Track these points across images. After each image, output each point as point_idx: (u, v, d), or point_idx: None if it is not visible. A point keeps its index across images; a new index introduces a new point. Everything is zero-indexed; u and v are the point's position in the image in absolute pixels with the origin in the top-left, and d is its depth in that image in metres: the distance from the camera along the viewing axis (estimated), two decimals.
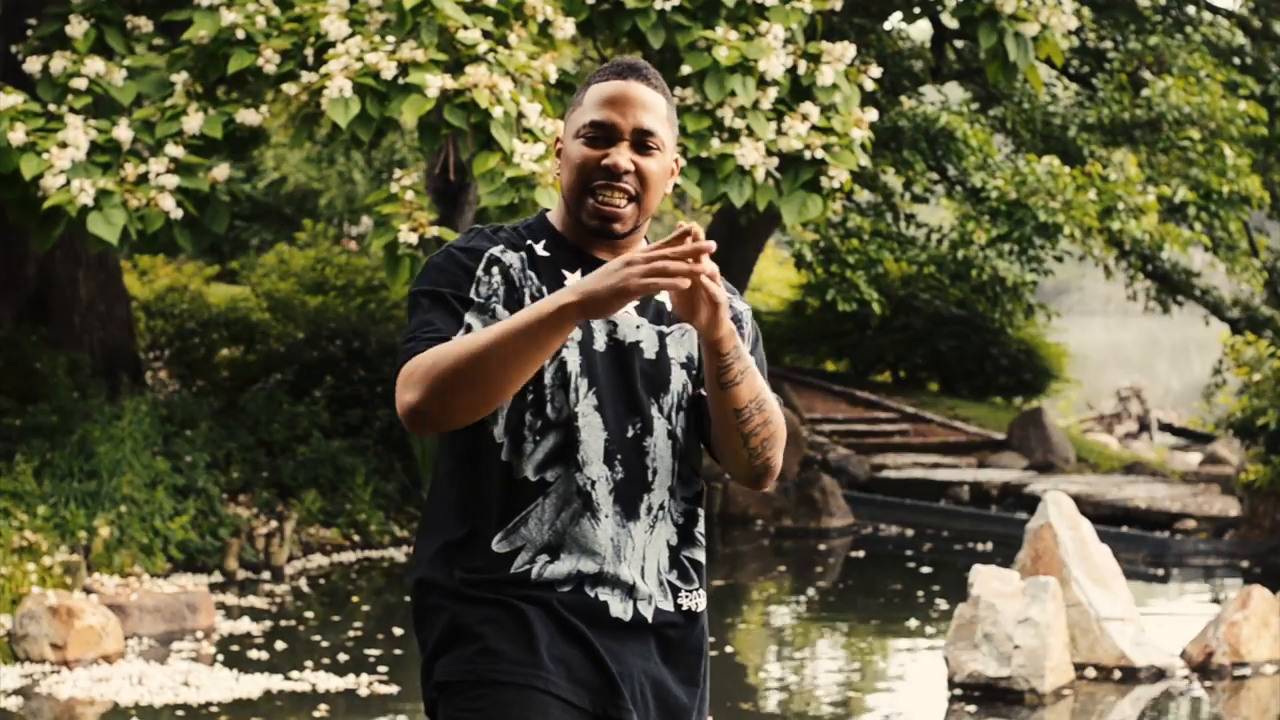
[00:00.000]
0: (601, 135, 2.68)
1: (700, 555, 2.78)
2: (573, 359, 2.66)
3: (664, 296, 2.75)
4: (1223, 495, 13.82)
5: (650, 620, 2.69)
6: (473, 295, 2.66)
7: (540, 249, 2.73)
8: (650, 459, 2.70)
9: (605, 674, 2.65)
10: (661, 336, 2.74)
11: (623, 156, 2.67)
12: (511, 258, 2.71)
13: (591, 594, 2.65)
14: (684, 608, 2.74)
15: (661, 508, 2.71)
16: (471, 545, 2.67)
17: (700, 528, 2.78)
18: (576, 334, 2.66)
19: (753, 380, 2.64)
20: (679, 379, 2.73)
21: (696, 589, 2.75)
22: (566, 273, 2.71)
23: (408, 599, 9.54)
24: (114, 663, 8.56)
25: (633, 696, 2.67)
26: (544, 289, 2.68)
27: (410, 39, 8.86)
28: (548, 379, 2.66)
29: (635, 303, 2.66)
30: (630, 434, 2.68)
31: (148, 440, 11.03)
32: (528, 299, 2.67)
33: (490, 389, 2.53)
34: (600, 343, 2.69)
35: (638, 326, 2.72)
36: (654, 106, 2.70)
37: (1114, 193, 12.80)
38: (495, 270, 2.69)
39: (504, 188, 8.53)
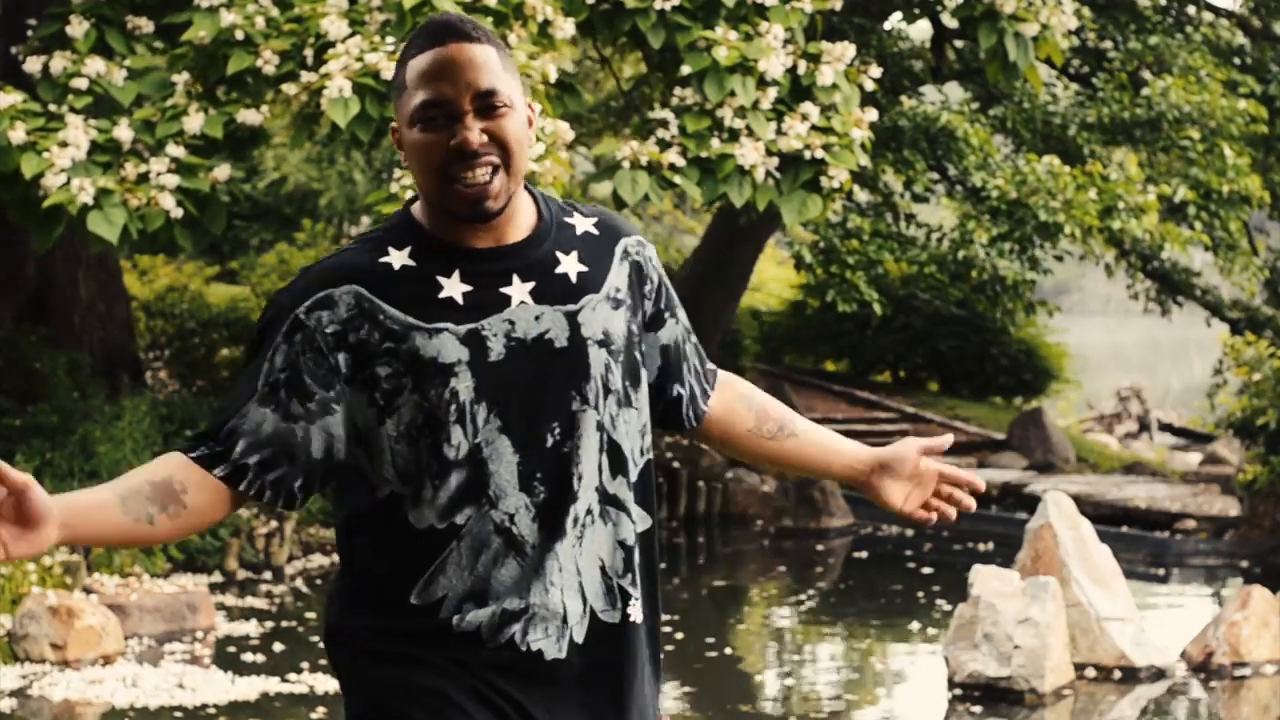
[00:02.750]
0: (439, 114, 2.30)
1: (655, 556, 2.46)
2: (464, 385, 2.30)
3: (570, 268, 2.40)
4: (1223, 495, 13.81)
5: (583, 641, 2.36)
6: (261, 384, 2.31)
7: (404, 259, 2.34)
8: (575, 464, 2.34)
9: None
10: (570, 317, 2.37)
11: (471, 131, 2.29)
12: (331, 312, 2.31)
13: (523, 645, 2.32)
14: (631, 618, 2.40)
15: (589, 512, 2.36)
16: (387, 599, 2.34)
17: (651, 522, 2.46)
18: (464, 353, 2.30)
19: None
20: (599, 360, 2.37)
21: (638, 597, 2.42)
22: (442, 279, 2.34)
23: None
24: (114, 662, 8.56)
25: None
26: (412, 318, 2.31)
27: None
28: (440, 415, 2.29)
29: (531, 285, 2.36)
30: (549, 443, 2.33)
31: (148, 440, 11.03)
32: (373, 344, 2.30)
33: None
34: (497, 351, 2.32)
35: (538, 317, 2.35)
36: (486, 63, 2.32)
37: (1114, 192, 12.79)
38: (298, 337, 2.31)
39: None
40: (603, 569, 2.38)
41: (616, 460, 2.39)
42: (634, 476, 2.42)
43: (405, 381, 2.30)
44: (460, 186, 2.30)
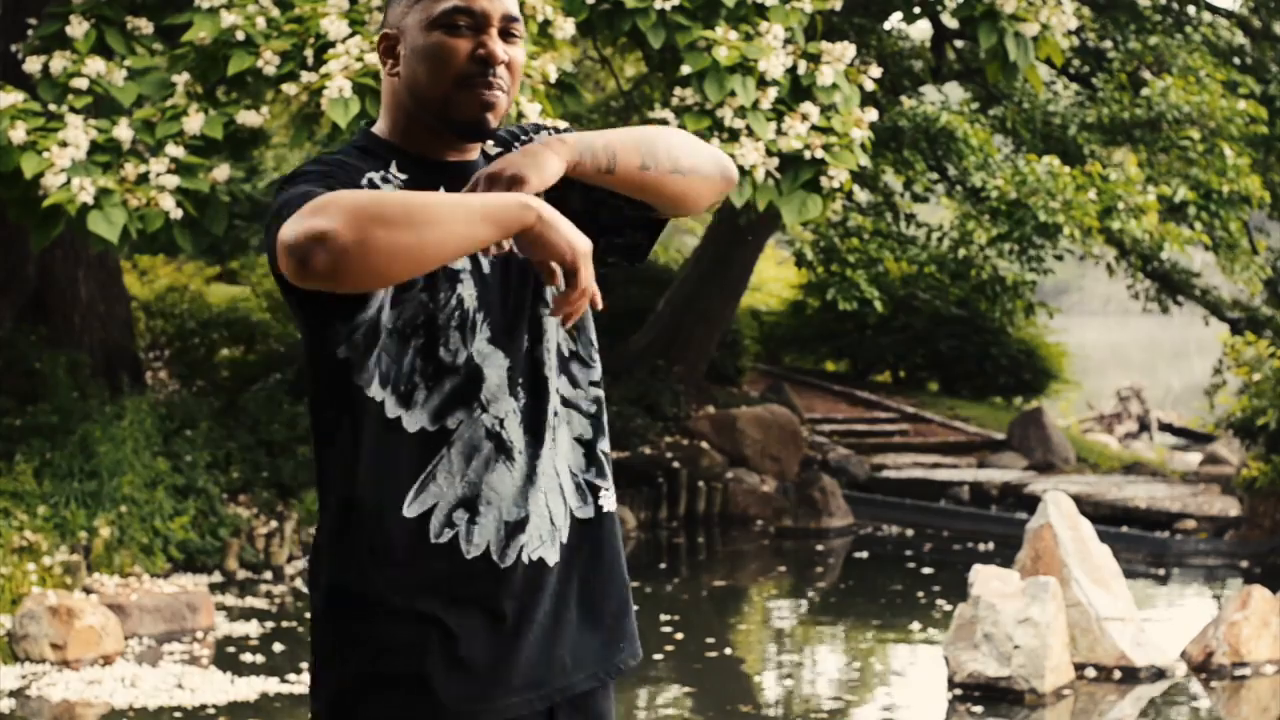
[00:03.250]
0: (469, 23, 2.37)
1: (609, 445, 2.51)
2: (469, 294, 2.37)
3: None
4: (1223, 495, 13.82)
5: (568, 541, 2.42)
6: None
7: (396, 173, 2.40)
8: (546, 368, 2.43)
9: (553, 661, 2.39)
10: None
11: (498, 46, 2.37)
12: (389, 188, 2.38)
13: (527, 558, 2.36)
14: (603, 509, 2.47)
15: (556, 414, 2.43)
16: (383, 526, 2.33)
17: (605, 416, 2.52)
18: (466, 262, 2.37)
19: (621, 146, 2.38)
20: None
21: (608, 486, 2.49)
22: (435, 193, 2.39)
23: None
24: (113, 663, 8.56)
25: (584, 659, 2.43)
26: None
27: None
28: (442, 319, 2.34)
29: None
30: (525, 346, 2.41)
31: (148, 440, 11.03)
32: None
33: (425, 249, 2.13)
34: (487, 262, 2.40)
35: None
36: None
37: (1114, 192, 12.79)
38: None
39: None
40: (570, 469, 2.45)
41: (563, 361, 2.47)
42: (576, 371, 2.49)
43: (419, 279, 2.33)
44: (475, 92, 2.36)
